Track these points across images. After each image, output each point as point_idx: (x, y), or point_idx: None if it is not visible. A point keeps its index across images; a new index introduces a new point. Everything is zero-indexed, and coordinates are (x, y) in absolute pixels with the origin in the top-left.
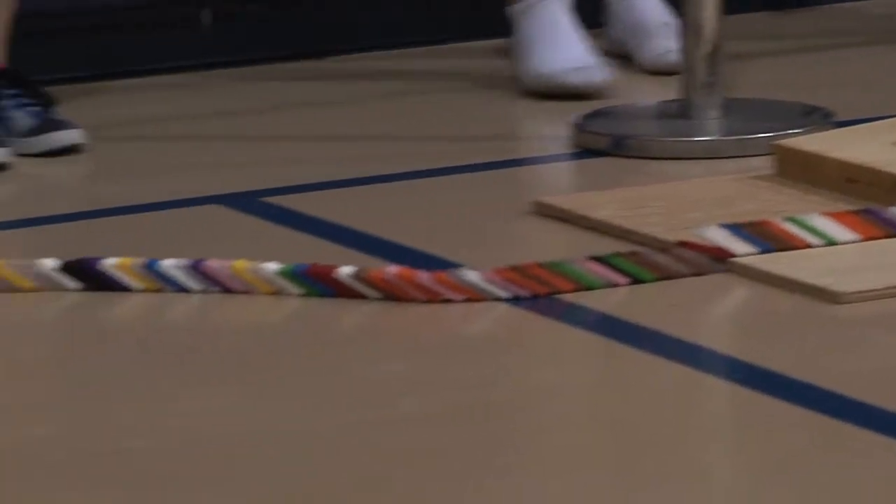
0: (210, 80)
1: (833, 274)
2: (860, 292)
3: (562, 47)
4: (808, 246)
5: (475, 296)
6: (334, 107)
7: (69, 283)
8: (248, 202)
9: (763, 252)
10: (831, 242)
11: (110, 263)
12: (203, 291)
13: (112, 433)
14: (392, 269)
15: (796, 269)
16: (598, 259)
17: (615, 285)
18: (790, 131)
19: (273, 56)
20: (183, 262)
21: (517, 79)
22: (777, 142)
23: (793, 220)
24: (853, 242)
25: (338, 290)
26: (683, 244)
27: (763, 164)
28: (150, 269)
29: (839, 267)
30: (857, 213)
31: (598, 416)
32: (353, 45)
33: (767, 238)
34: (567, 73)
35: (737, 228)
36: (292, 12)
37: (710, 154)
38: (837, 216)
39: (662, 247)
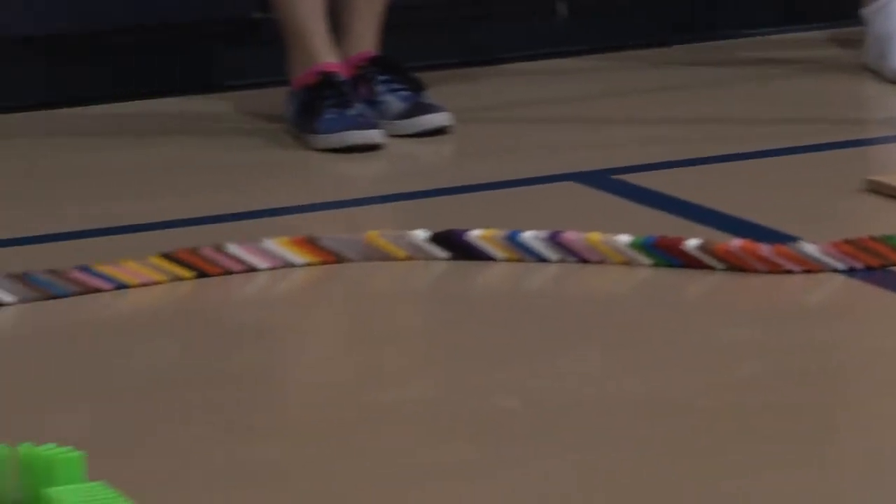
0: (565, 67)
1: None
2: None
3: None
4: None
5: (813, 267)
6: (681, 91)
7: (438, 252)
8: (600, 179)
9: None
10: None
11: (476, 234)
12: (560, 261)
13: (483, 393)
14: (736, 242)
15: None
16: None
17: None
18: None
19: (622, 45)
20: (542, 233)
21: (878, 72)
22: None
23: None
24: None
25: (685, 261)
26: None
27: None
28: (512, 240)
29: None
30: None
31: None
32: (697, 35)
33: None
34: None
35: None
36: (638, 5)
37: None
38: None
39: None
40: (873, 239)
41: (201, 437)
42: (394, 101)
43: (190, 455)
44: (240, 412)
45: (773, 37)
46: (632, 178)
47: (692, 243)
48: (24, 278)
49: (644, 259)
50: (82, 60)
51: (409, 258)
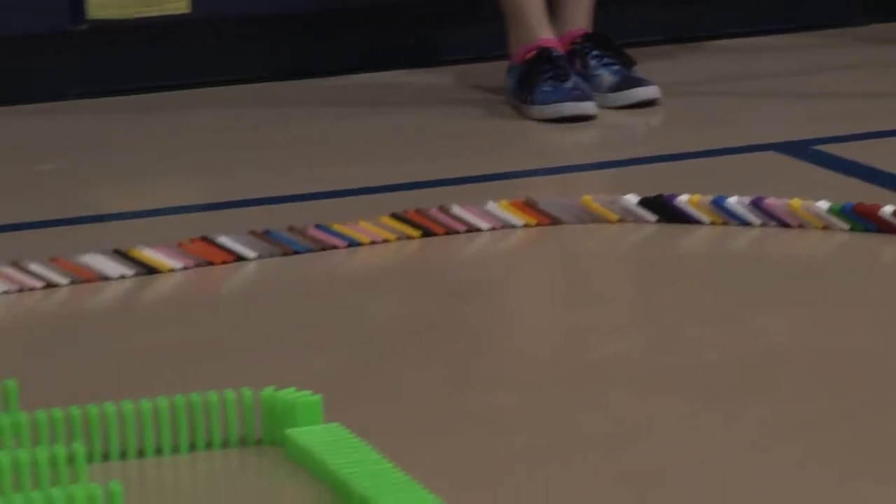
0: (769, 44)
1: None
2: None
3: None
4: None
5: None
6: (880, 66)
7: (648, 215)
8: (800, 149)
9: None
10: None
11: (683, 199)
12: (762, 225)
13: (689, 348)
14: None
15: None
16: None
17: None
18: None
19: (824, 23)
20: (745, 199)
21: None
22: None
23: None
24: None
25: (880, 226)
26: None
27: None
28: (717, 204)
29: None
30: None
31: None
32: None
33: None
34: None
35: None
36: None
37: None
38: None
39: None
40: None
41: (427, 384)
42: (606, 75)
43: (417, 400)
44: (462, 362)
45: None
46: (831, 149)
47: (888, 210)
48: (265, 235)
49: (842, 224)
50: (314, 36)
51: (621, 221)
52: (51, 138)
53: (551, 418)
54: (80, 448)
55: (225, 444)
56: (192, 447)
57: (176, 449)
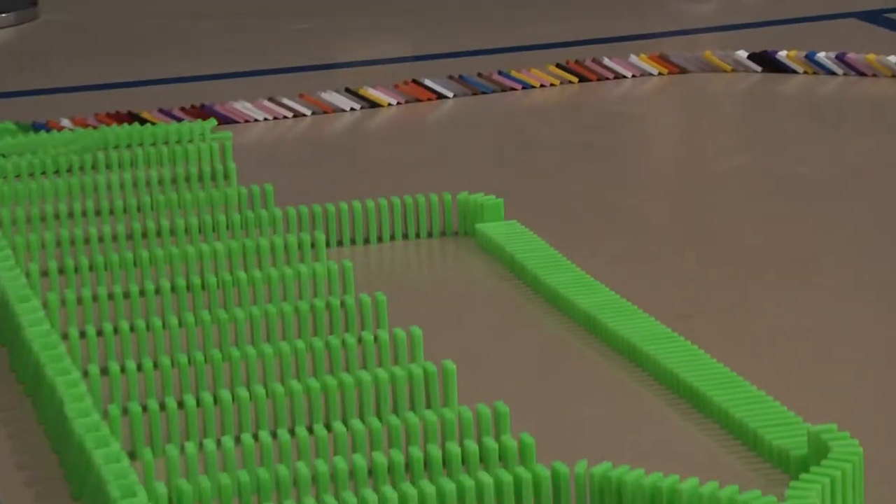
0: None
1: None
2: None
3: None
4: None
5: None
6: None
7: (754, 66)
8: (875, 17)
9: None
10: None
11: (782, 54)
12: (844, 74)
13: (787, 163)
14: None
15: None
16: None
17: None
18: None
19: None
20: (831, 54)
21: None
22: None
23: None
24: None
25: None
26: None
27: None
28: (809, 58)
29: None
30: None
31: None
32: None
33: None
34: None
35: None
36: None
37: None
38: None
39: None
40: None
41: (585, 191)
42: None
43: (577, 203)
44: (611, 175)
45: None
46: None
47: None
48: (459, 79)
49: None
50: None
51: (733, 71)
52: (304, 4)
53: (683, 213)
54: (320, 235)
55: (429, 234)
56: (405, 236)
57: (392, 237)
